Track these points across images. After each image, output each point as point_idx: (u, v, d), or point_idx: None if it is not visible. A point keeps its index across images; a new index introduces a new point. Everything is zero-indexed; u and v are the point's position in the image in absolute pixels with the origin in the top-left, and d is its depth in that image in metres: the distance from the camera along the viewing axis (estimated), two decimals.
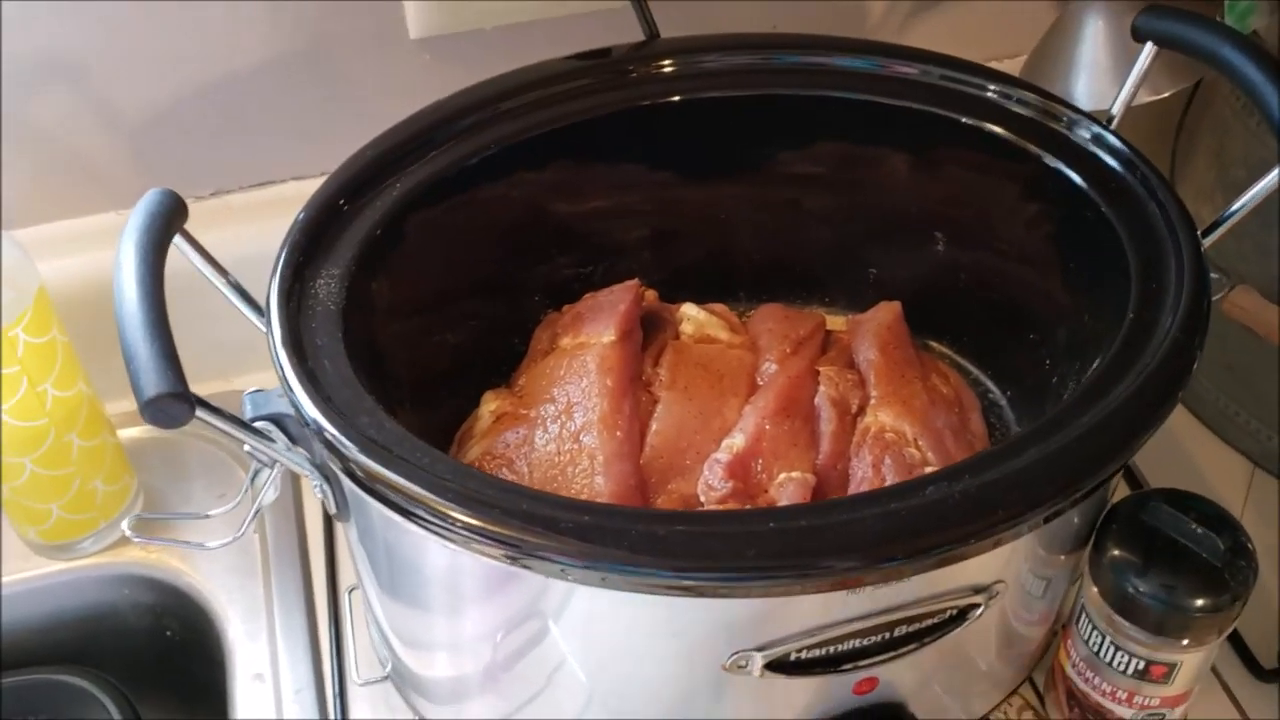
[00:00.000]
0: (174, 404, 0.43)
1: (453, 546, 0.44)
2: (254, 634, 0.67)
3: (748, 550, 0.41)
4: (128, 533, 0.55)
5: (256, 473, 0.54)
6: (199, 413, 0.44)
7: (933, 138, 0.59)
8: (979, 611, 0.49)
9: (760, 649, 0.46)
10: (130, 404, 0.63)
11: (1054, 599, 0.57)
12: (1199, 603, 0.51)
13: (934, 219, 0.61)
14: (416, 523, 0.44)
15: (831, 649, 0.47)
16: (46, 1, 0.66)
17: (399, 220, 0.55)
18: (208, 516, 0.56)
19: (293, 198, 0.73)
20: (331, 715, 0.63)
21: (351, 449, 0.45)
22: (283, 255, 0.53)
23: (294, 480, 0.74)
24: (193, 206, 0.75)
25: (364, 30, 0.71)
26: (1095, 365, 0.50)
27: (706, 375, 0.60)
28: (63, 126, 0.71)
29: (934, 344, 0.66)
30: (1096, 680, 0.55)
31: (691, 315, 0.62)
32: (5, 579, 0.70)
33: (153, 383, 0.43)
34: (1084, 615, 0.55)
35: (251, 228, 0.74)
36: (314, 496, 0.73)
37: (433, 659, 0.55)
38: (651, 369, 0.60)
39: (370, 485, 0.45)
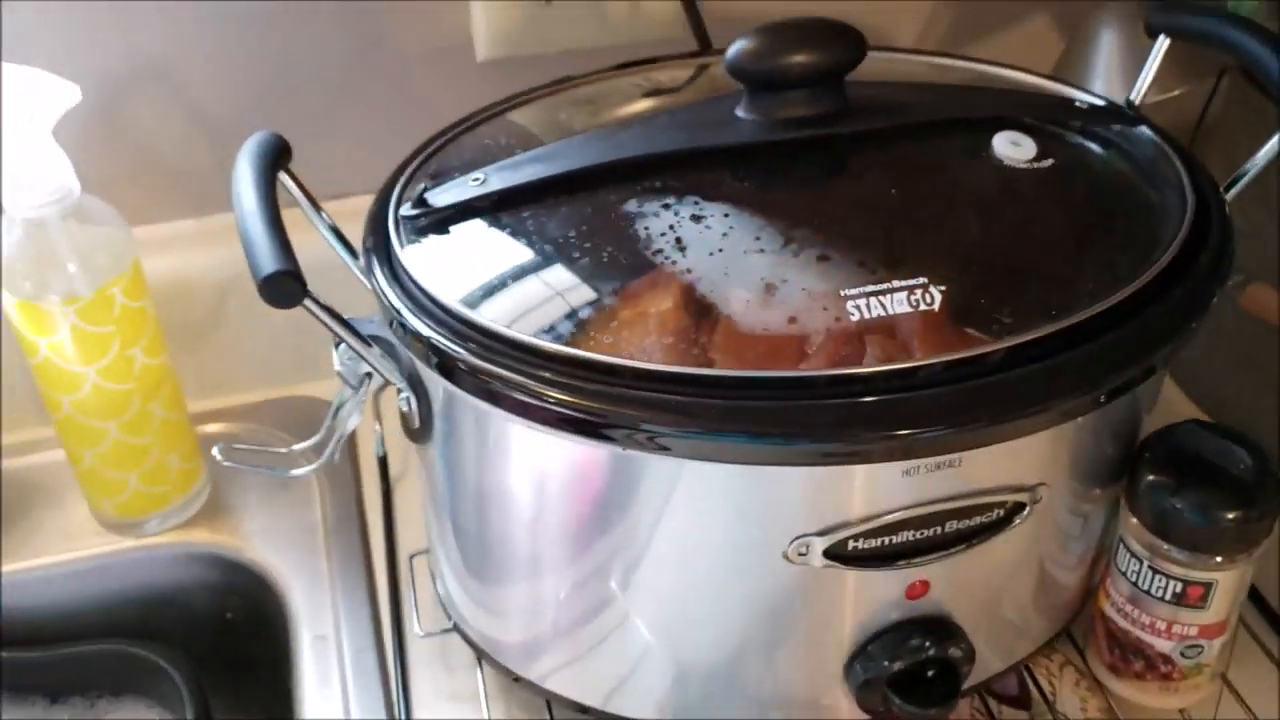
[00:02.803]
0: (288, 282, 0.47)
1: (545, 428, 0.48)
2: (316, 601, 0.70)
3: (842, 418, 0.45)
4: (217, 455, 0.58)
5: (340, 405, 0.58)
6: (307, 302, 0.49)
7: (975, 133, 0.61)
8: (1024, 512, 0.52)
9: (821, 534, 0.49)
10: (202, 405, 0.67)
11: (1090, 540, 0.59)
12: (1232, 515, 0.54)
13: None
14: (512, 406, 0.48)
15: (887, 540, 0.50)
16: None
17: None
18: (291, 450, 0.59)
19: (366, 211, 0.79)
20: (392, 669, 0.66)
21: (471, 315, 0.49)
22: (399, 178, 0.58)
23: (352, 460, 0.77)
24: None
25: (433, 50, 0.78)
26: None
27: (758, 344, 0.63)
28: (145, 135, 0.77)
29: None
30: (1136, 613, 0.58)
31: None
32: (78, 554, 0.73)
33: (270, 262, 0.47)
34: (1122, 548, 0.57)
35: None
36: (372, 473, 0.77)
37: (505, 580, 0.58)
38: (708, 339, 0.64)
39: (477, 367, 0.48)
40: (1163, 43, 0.63)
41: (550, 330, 0.49)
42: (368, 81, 0.78)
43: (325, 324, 0.51)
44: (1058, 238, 0.53)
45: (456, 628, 0.63)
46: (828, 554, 0.50)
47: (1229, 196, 0.58)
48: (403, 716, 0.64)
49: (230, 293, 0.80)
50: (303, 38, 0.76)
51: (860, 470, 0.48)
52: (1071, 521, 0.57)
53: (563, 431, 0.48)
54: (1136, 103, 0.63)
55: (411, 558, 0.69)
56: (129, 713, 0.73)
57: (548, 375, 0.47)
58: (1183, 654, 0.58)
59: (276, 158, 0.55)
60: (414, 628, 0.66)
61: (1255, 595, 0.68)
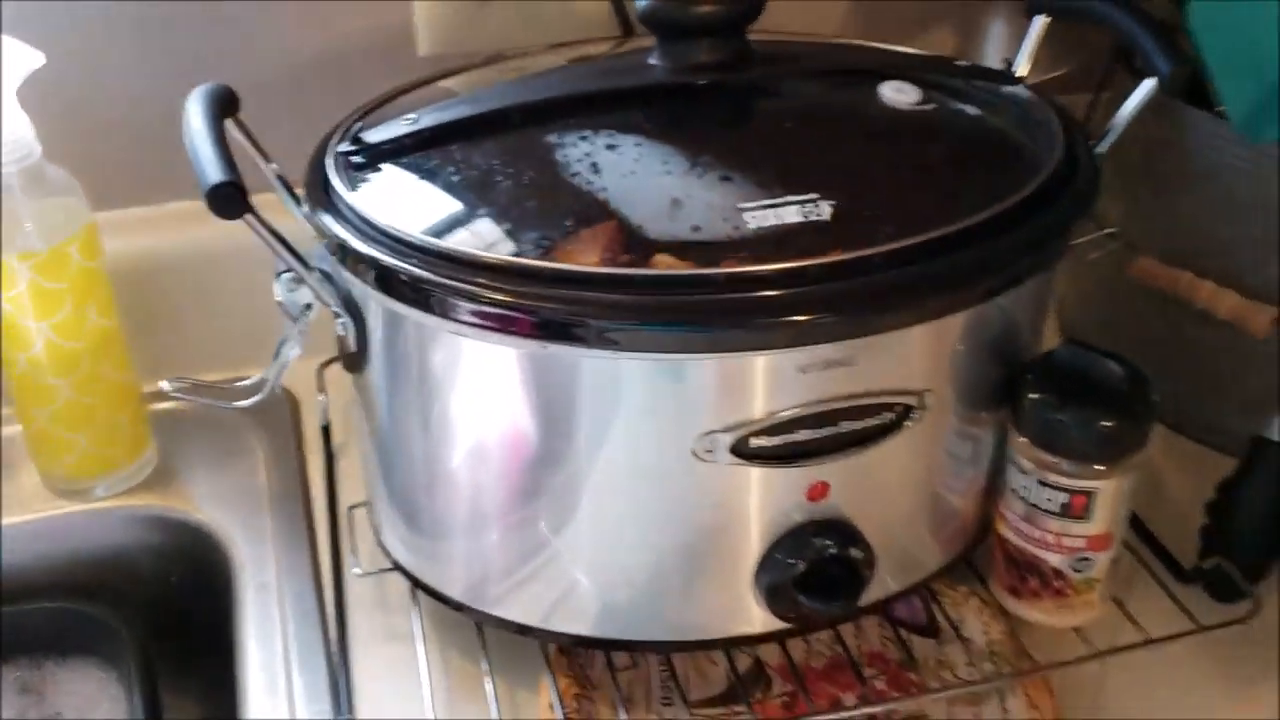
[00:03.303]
0: (231, 192, 0.51)
1: (478, 332, 0.52)
2: (259, 554, 0.73)
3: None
4: (167, 387, 0.62)
5: (282, 342, 0.62)
6: (248, 217, 0.53)
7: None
8: (913, 417, 0.56)
9: (726, 430, 0.53)
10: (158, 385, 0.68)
11: (980, 468, 0.63)
12: (1111, 424, 0.58)
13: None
14: (455, 315, 0.52)
15: (786, 438, 0.54)
16: None
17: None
18: (236, 384, 0.63)
19: None
20: (330, 612, 0.69)
21: (406, 234, 0.53)
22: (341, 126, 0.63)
23: (296, 430, 0.81)
24: None
25: (375, 45, 0.83)
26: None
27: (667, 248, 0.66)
28: (106, 121, 0.81)
29: None
30: (1028, 529, 0.62)
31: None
32: (25, 516, 0.75)
33: (215, 173, 0.51)
34: (1012, 468, 0.62)
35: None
36: (315, 443, 0.80)
37: (440, 501, 0.61)
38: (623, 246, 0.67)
39: (417, 276, 0.52)
40: (1040, 20, 0.69)
41: (479, 243, 0.53)
42: (317, 74, 0.83)
43: (265, 240, 0.55)
44: (937, 168, 0.58)
45: (395, 566, 0.66)
46: (733, 450, 0.54)
47: (1099, 149, 0.64)
48: (339, 656, 0.67)
49: (187, 277, 0.84)
50: (245, 29, 0.81)
51: (760, 365, 0.53)
52: (961, 444, 0.62)
53: (493, 332, 0.52)
54: (1016, 73, 0.69)
55: (351, 509, 0.72)
56: (76, 673, 0.75)
57: (482, 280, 0.51)
58: (1073, 568, 0.62)
59: (225, 102, 0.59)
60: (353, 570, 0.69)
61: (1146, 533, 0.72)
